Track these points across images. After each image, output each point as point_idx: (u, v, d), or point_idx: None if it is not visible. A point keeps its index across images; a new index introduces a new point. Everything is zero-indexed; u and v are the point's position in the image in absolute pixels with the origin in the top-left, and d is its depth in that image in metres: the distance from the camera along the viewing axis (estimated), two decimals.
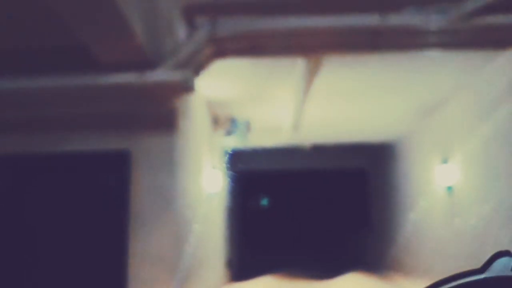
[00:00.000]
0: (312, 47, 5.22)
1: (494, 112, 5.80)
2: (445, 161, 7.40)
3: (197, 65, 4.89)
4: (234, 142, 8.08)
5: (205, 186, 6.99)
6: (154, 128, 5.26)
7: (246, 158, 9.35)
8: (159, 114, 5.27)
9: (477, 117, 6.36)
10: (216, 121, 7.82)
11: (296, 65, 5.87)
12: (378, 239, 11.75)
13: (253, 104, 7.55)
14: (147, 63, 4.65)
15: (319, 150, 10.36)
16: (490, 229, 5.84)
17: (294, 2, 4.91)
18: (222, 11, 4.91)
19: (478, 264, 0.92)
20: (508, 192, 5.60)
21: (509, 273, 0.89)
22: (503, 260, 0.91)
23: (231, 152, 8.42)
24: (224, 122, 7.83)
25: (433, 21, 4.75)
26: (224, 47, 5.00)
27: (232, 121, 7.82)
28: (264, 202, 15.69)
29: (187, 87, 4.86)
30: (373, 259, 12.01)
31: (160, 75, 4.73)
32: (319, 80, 6.17)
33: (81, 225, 5.19)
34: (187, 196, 5.78)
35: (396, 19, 4.83)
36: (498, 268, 0.90)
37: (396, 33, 4.92)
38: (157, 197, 5.17)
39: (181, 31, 5.02)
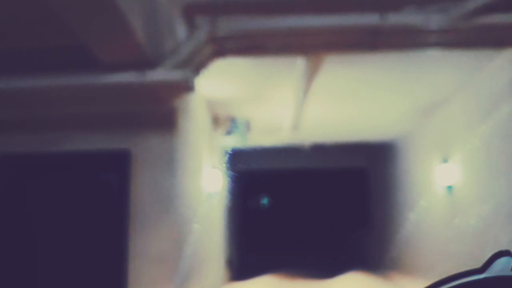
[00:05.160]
0: (311, 46, 5.22)
1: (494, 112, 5.79)
2: (445, 160, 7.40)
3: (197, 65, 4.89)
4: (234, 142, 8.08)
5: (205, 186, 6.99)
6: (154, 127, 5.26)
7: (246, 158, 9.34)
8: (159, 113, 5.27)
9: (477, 117, 6.36)
10: (216, 121, 7.82)
11: (296, 65, 5.87)
12: (378, 238, 11.75)
13: (253, 104, 7.55)
14: (147, 63, 4.65)
15: (319, 150, 10.35)
16: (490, 229, 5.84)
17: (294, 1, 4.91)
18: (222, 11, 4.91)
19: (478, 264, 0.92)
20: (508, 192, 5.59)
21: (509, 273, 0.89)
22: (503, 260, 0.91)
23: (231, 152, 8.42)
24: (224, 122, 7.83)
25: (433, 20, 4.74)
26: (224, 47, 5.00)
27: (232, 121, 7.83)
28: (264, 201, 15.68)
29: (187, 87, 4.86)
30: (373, 259, 12.01)
31: (160, 74, 4.73)
32: (319, 80, 6.17)
33: (81, 225, 5.19)
34: (187, 196, 5.78)
35: (396, 19, 4.82)
36: (498, 268, 0.90)
37: (396, 32, 4.92)
38: (157, 197, 5.17)
39: (181, 31, 5.02)
